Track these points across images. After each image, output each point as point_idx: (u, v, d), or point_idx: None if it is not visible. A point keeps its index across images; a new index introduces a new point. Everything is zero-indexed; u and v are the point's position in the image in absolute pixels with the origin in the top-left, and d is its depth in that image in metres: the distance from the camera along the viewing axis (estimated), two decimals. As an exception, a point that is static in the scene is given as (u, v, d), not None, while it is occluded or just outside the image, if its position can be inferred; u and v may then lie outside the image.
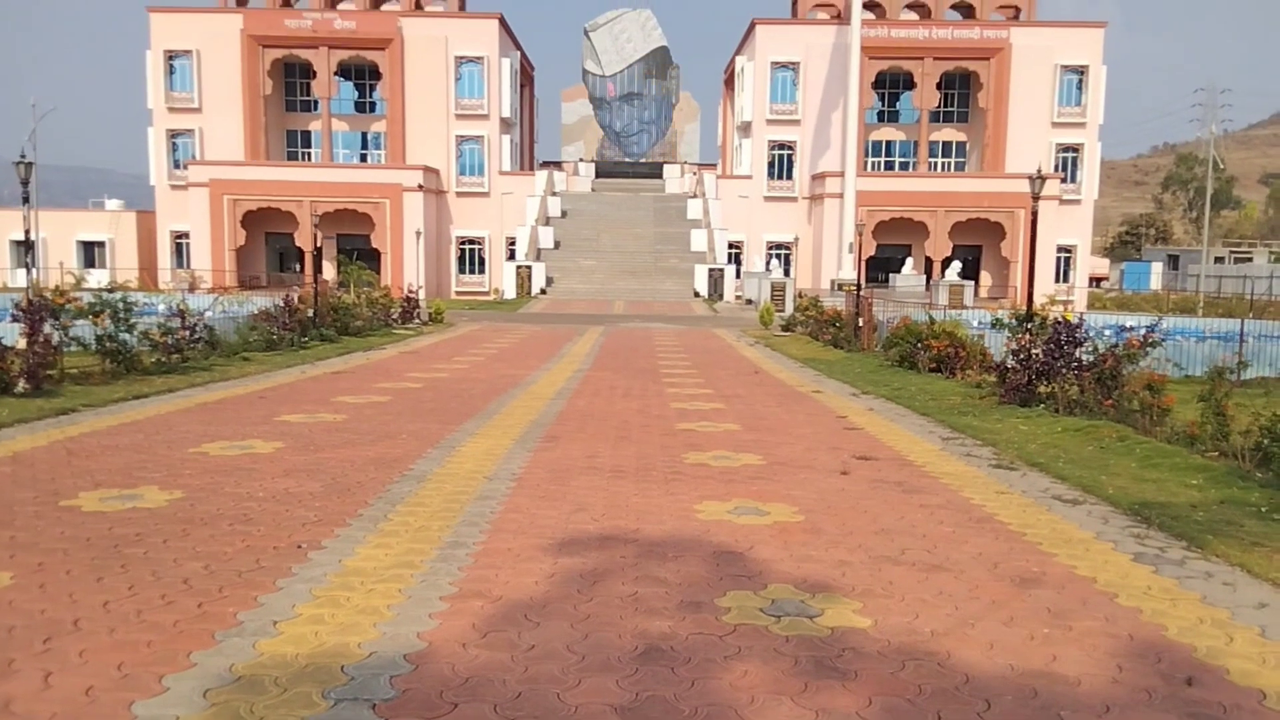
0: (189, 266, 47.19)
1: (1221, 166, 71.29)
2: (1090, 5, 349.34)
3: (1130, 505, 7.58)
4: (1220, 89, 56.04)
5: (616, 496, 7.70)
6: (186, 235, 48.36)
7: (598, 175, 59.94)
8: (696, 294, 45.48)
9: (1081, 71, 50.74)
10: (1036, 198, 15.50)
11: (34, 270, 16.49)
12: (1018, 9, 52.53)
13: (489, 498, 7.56)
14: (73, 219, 52.01)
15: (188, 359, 16.41)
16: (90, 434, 10.11)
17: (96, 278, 36.03)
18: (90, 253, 50.56)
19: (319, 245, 30.94)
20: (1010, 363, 13.46)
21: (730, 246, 50.14)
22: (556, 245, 49.57)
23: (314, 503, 7.28)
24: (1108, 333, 18.88)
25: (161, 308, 18.66)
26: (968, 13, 52.67)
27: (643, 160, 66.13)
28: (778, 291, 39.47)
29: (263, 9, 51.43)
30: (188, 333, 16.46)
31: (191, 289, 37.17)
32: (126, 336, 14.90)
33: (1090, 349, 12.75)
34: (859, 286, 25.91)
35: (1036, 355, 12.91)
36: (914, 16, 52.66)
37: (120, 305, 14.82)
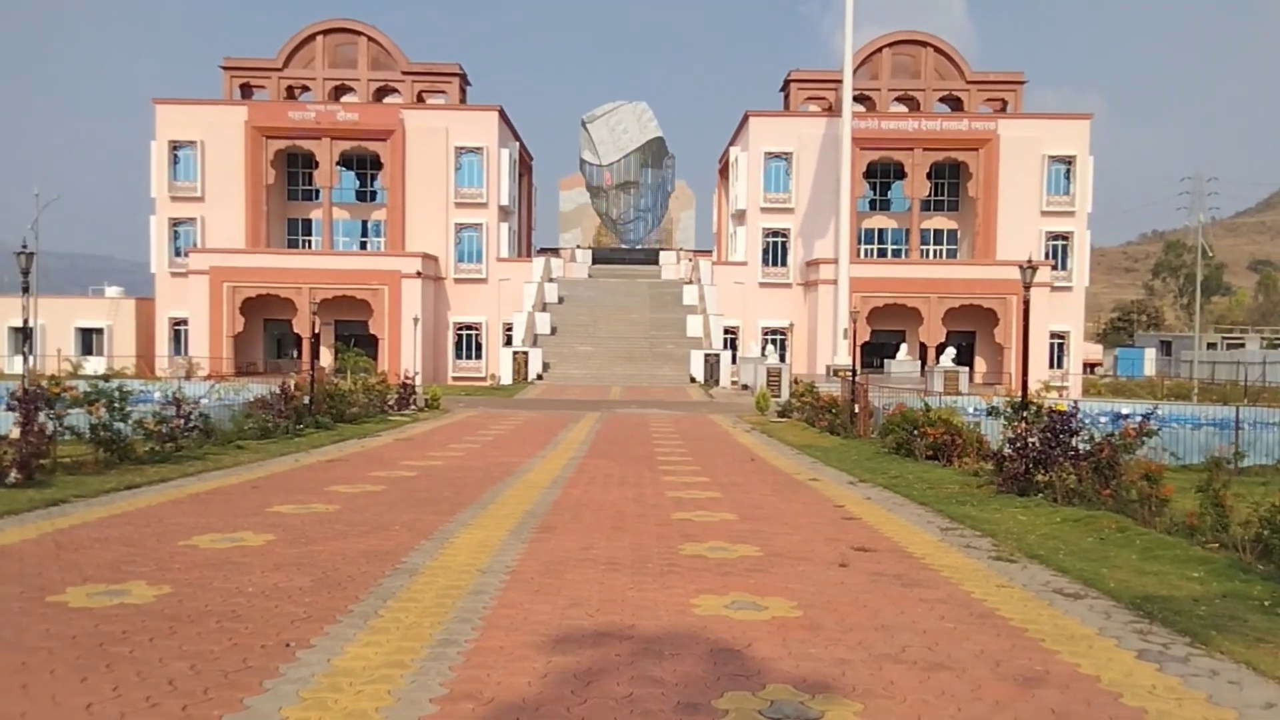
0: (186, 353, 47.32)
1: (1210, 254, 72.29)
2: (1076, 97, 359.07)
3: (1132, 600, 7.48)
4: (1207, 178, 57.41)
5: (611, 590, 7.59)
6: (185, 322, 48.62)
7: (594, 262, 60.63)
8: (692, 379, 45.57)
9: (1069, 162, 51.84)
10: (1028, 287, 15.67)
11: (31, 358, 16.50)
12: (1005, 102, 53.89)
13: (482, 592, 7.45)
14: (72, 306, 52.36)
15: (182, 447, 16.33)
16: (80, 526, 9.99)
17: (94, 365, 36.09)
18: (88, 339, 50.76)
19: (317, 331, 31.10)
20: (1007, 451, 13.43)
21: (726, 332, 50.46)
22: (553, 331, 49.84)
23: (304, 598, 7.17)
24: (1103, 420, 18.88)
25: (157, 395, 18.63)
26: (956, 105, 54.01)
27: (639, 247, 66.96)
28: (773, 377, 39.55)
29: (268, 101, 52.62)
30: (182, 421, 16.41)
31: (188, 376, 37.17)
32: (121, 425, 14.85)
33: (1086, 437, 12.73)
34: (854, 372, 26.00)
35: (1033, 444, 12.89)
36: (903, 109, 53.98)
37: (116, 394, 14.80)
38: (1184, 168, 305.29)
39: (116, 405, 14.81)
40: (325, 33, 53.55)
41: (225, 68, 53.40)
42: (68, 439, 14.64)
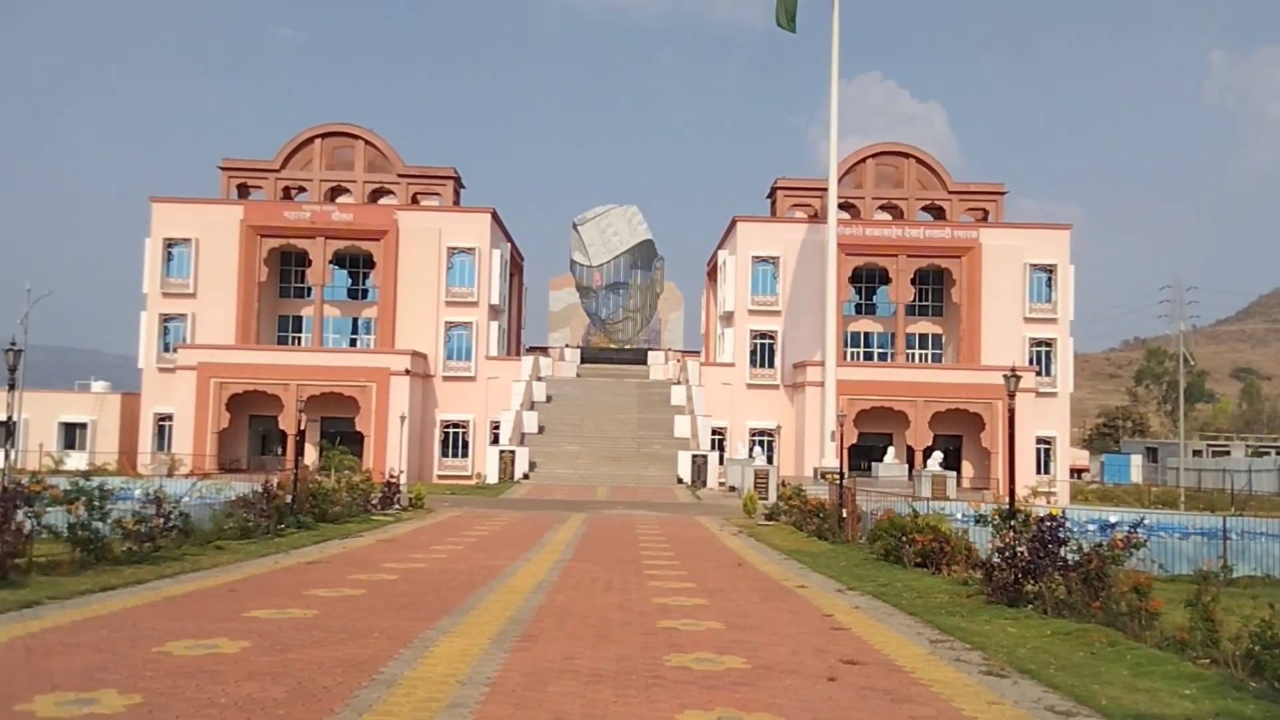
0: (169, 449, 46.92)
1: (1192, 362, 73.14)
2: (1055, 206, 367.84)
3: (1124, 718, 7.35)
4: (1186, 286, 58.30)
5: (595, 704, 7.42)
6: (170, 418, 48.34)
7: (583, 361, 60.90)
8: (680, 480, 45.33)
9: (1050, 270, 52.84)
10: (1012, 395, 15.79)
11: (12, 454, 16.35)
12: (986, 211, 55.16)
13: (461, 705, 7.27)
14: (57, 400, 52.09)
15: (160, 547, 16.06)
16: (53, 629, 9.76)
17: (76, 460, 35.73)
18: (72, 434, 50.36)
19: (302, 428, 30.94)
20: (996, 560, 13.33)
21: (713, 433, 50.42)
22: (541, 430, 49.71)
23: (277, 710, 6.98)
24: (1091, 528, 18.81)
25: (138, 493, 18.42)
26: (938, 214, 55.24)
27: (627, 347, 67.40)
28: (761, 479, 39.39)
29: (264, 201, 53.44)
30: (162, 521, 16.17)
31: (170, 473, 36.80)
32: (100, 525, 14.62)
33: (1075, 547, 12.65)
34: (841, 475, 25.93)
35: (1021, 553, 12.80)
36: (887, 217, 55.17)
37: (96, 493, 14.62)
38: (1163, 275, 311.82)
39: (96, 504, 14.61)
40: (324, 136, 54.76)
41: (224, 168, 54.38)
42: (45, 538, 14.40)
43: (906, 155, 55.46)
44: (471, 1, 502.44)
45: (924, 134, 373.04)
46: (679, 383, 54.18)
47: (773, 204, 57.09)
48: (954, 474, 44.15)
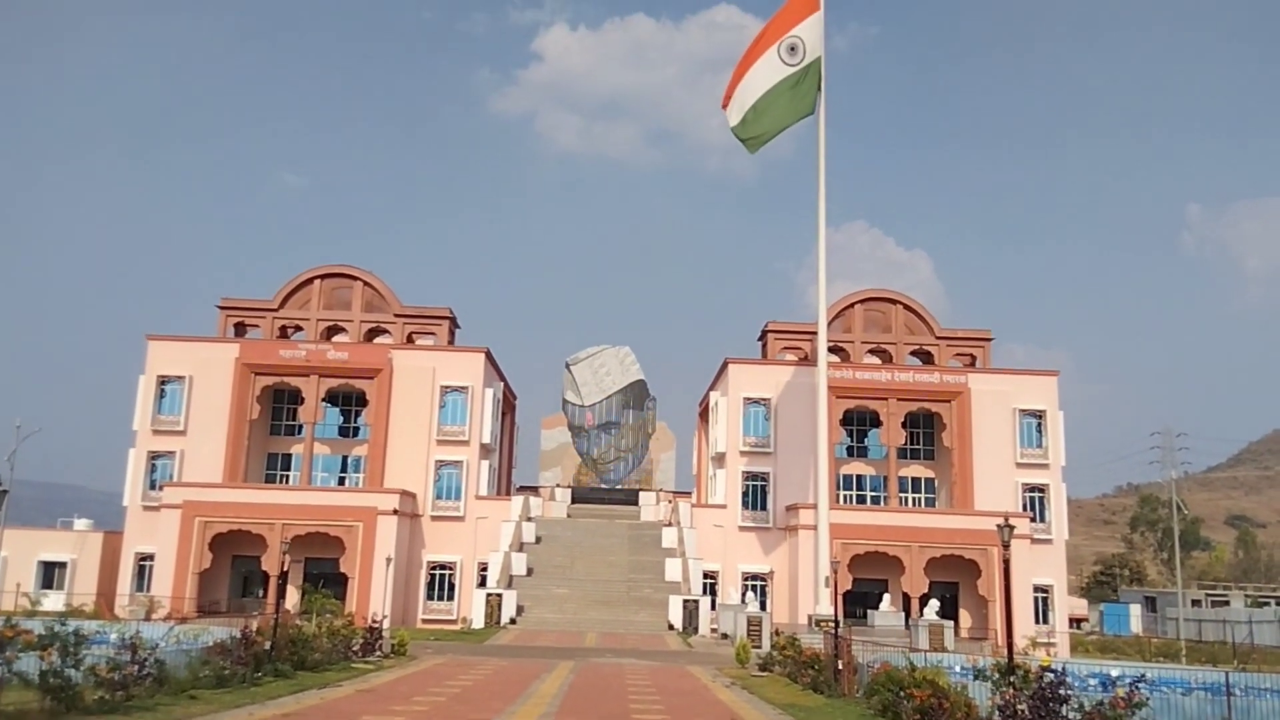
0: (149, 590, 45.83)
1: (1185, 510, 72.85)
2: (1042, 352, 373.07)
3: None
4: (1176, 433, 58.59)
5: None
6: (151, 557, 47.39)
7: (574, 501, 60.31)
8: (671, 626, 44.23)
9: (1039, 415, 53.19)
10: (1006, 545, 15.67)
11: (-13, 596, 16.02)
12: (974, 357, 55.89)
13: None
14: (37, 538, 51.22)
15: (133, 696, 15.52)
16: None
17: (53, 601, 34.87)
18: (50, 573, 49.34)
19: (285, 569, 30.35)
20: (996, 719, 12.95)
21: (705, 576, 49.52)
22: (529, 572, 48.78)
23: None
24: (1093, 682, 18.35)
25: (114, 637, 17.92)
26: (926, 359, 55.95)
27: (619, 487, 66.88)
28: (754, 626, 38.51)
29: (260, 340, 53.96)
30: (136, 668, 15.69)
31: (148, 616, 35.87)
32: (72, 672, 14.17)
33: (1077, 705, 12.34)
34: (837, 624, 25.40)
35: (1022, 710, 12.46)
36: (876, 361, 55.83)
37: (71, 638, 14.22)
38: (1153, 421, 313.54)
39: (71, 650, 14.19)
40: (323, 277, 55.77)
41: (222, 307, 55.09)
42: (15, 684, 13.92)
43: (894, 301, 56.59)
44: (472, 149, 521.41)
45: (911, 280, 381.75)
46: (670, 524, 53.56)
47: (764, 346, 57.84)
48: (951, 623, 43.21)
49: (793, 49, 43.16)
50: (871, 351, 56.29)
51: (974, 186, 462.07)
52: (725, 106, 43.58)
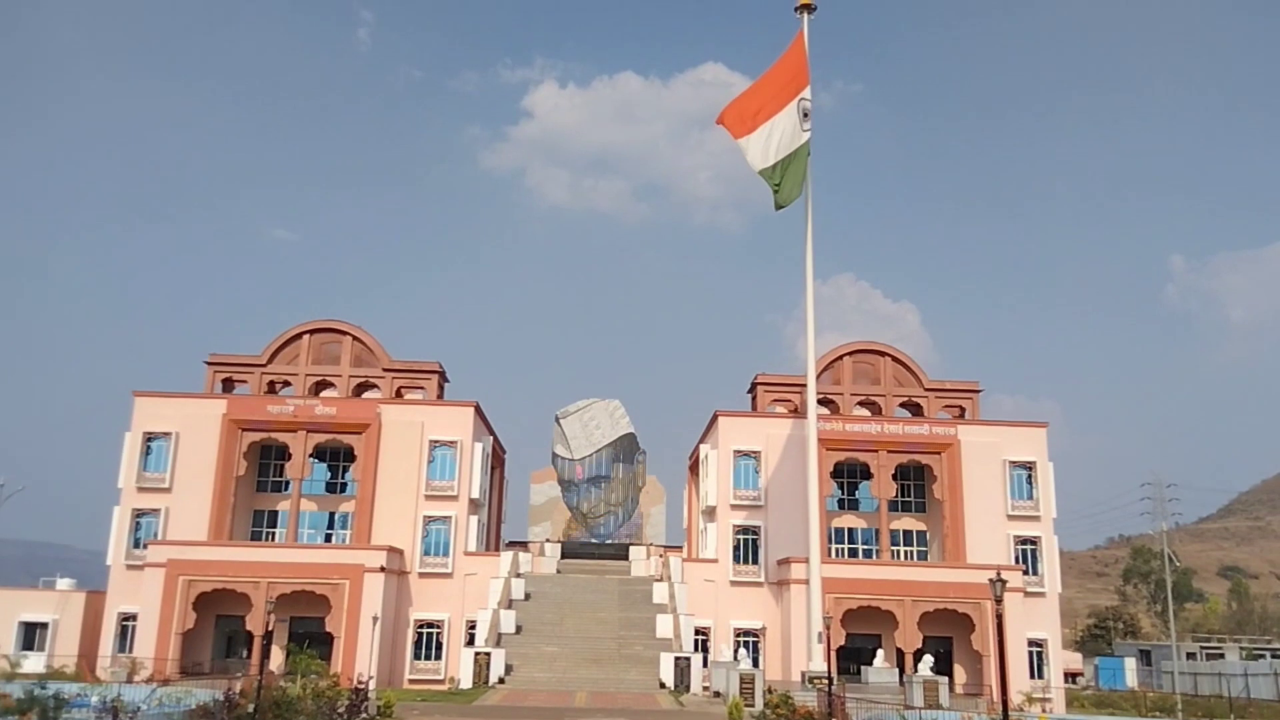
0: (131, 651, 45.03)
1: (1177, 562, 72.62)
2: (1031, 404, 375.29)
3: None
4: (1166, 483, 58.50)
5: None
6: (134, 617, 46.64)
7: (563, 556, 59.76)
8: (662, 684, 43.58)
9: (1029, 467, 53.20)
10: (999, 600, 15.58)
11: (-35, 660, 15.72)
12: (963, 409, 56.01)
13: None
14: (19, 598, 50.45)
15: (111, 763, 15.17)
16: None
17: (34, 662, 34.23)
18: (32, 634, 48.48)
19: (270, 629, 29.90)
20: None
21: (697, 632, 48.97)
22: (518, 630, 48.16)
23: None
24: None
25: (95, 700, 17.60)
26: (916, 410, 56.04)
27: (609, 541, 66.36)
28: (746, 684, 37.99)
29: (248, 396, 53.70)
30: (116, 733, 15.36)
31: (130, 678, 35.22)
32: (49, 738, 13.87)
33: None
34: (830, 680, 25.09)
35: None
36: (866, 413, 55.88)
37: (51, 703, 13.94)
38: (1143, 471, 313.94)
39: (50, 714, 13.90)
40: (312, 332, 55.74)
41: (210, 363, 54.91)
42: (-11, 753, 13.61)
43: (882, 353, 56.82)
44: (463, 204, 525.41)
45: (899, 331, 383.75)
46: (661, 579, 53.07)
47: (753, 399, 57.87)
48: (946, 679, 42.68)
49: (806, 114, 43.76)
50: (861, 403, 56.36)
51: (960, 239, 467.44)
52: (723, 123, 43.47)
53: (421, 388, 56.30)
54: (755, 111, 43.36)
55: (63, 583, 52.03)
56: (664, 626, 48.50)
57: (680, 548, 63.53)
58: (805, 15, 45.92)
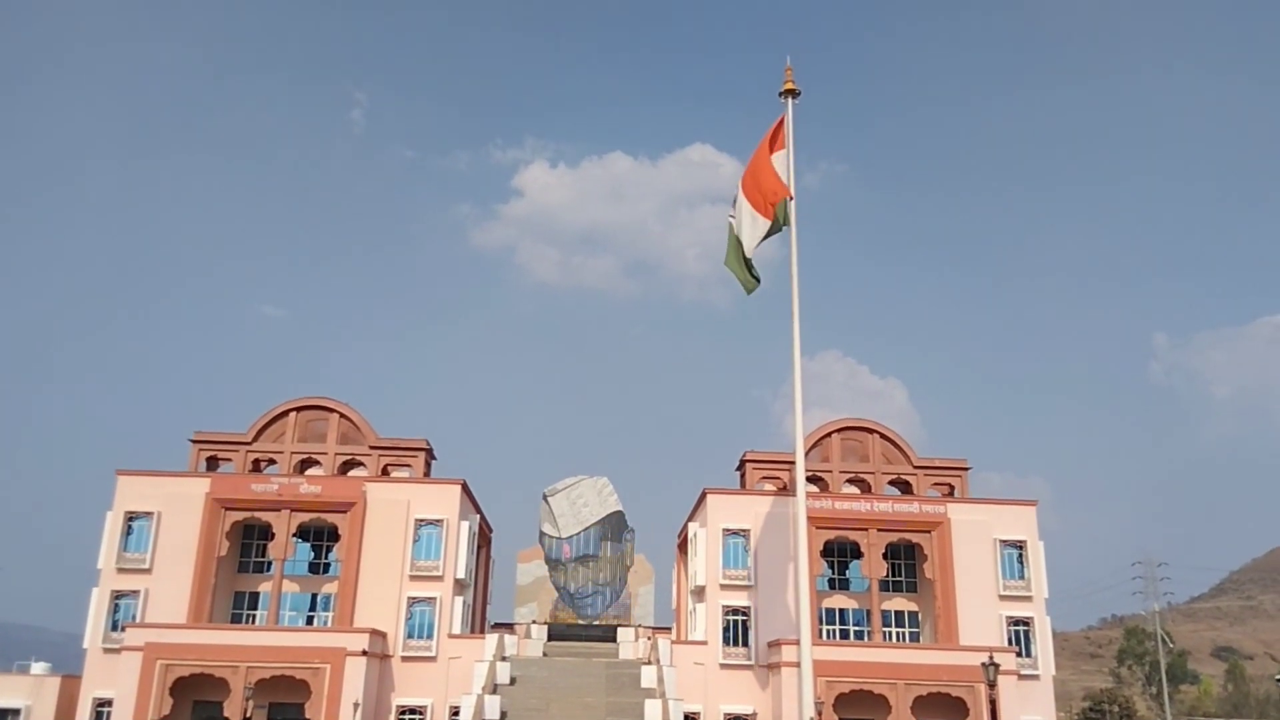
0: (103, 740, 43.76)
1: (1171, 644, 71.86)
2: (1020, 481, 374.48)
3: None
4: (1157, 562, 58.33)
5: None
6: (109, 703, 45.40)
7: (550, 638, 58.64)
8: (650, 773, 42.47)
9: (1020, 546, 52.85)
10: (993, 684, 15.32)
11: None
12: (952, 486, 55.85)
13: None
14: (-10, 682, 49.05)
15: None
16: None
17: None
18: (2, 721, 47.10)
19: (249, 716, 29.14)
20: None
21: (686, 718, 47.87)
22: (503, 716, 46.95)
23: None
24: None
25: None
26: (905, 488, 55.83)
27: (596, 622, 65.27)
28: (737, 772, 37.02)
29: (232, 475, 53.16)
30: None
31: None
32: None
33: None
34: (822, 771, 24.45)
35: None
36: (855, 490, 55.65)
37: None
38: (1134, 549, 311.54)
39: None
40: (298, 409, 55.49)
41: (194, 441, 54.48)
42: None
43: (870, 430, 56.78)
44: (453, 280, 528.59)
45: (886, 408, 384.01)
46: (650, 662, 52.06)
47: (742, 476, 57.59)
48: (940, 765, 41.75)
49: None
50: (850, 481, 56.14)
51: (946, 316, 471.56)
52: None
53: (408, 465, 55.87)
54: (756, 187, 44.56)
55: (37, 666, 50.75)
56: (652, 712, 47.36)
57: (669, 629, 62.54)
58: (790, 100, 46.94)
